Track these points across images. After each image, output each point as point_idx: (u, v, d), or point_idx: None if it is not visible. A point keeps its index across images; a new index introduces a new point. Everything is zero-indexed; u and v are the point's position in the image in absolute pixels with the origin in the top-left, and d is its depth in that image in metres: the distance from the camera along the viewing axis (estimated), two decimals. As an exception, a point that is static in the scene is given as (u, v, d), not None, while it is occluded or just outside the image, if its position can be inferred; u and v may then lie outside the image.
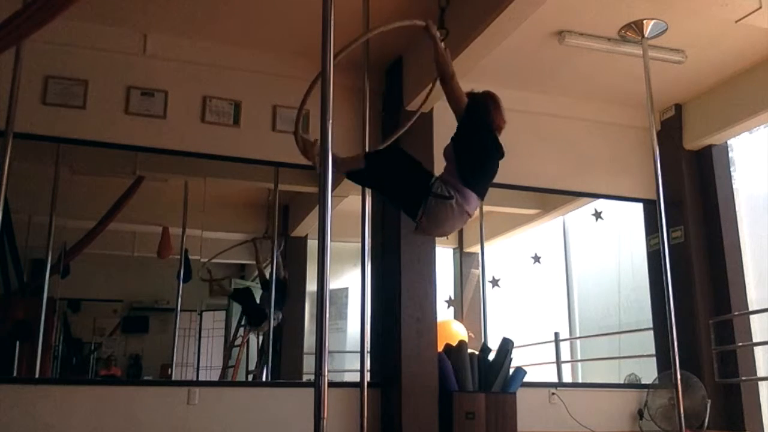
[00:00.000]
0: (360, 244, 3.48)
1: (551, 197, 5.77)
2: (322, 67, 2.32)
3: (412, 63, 4.47)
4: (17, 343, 4.34)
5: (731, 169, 5.18)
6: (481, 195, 2.98)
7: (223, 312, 5.80)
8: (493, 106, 3.01)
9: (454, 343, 4.56)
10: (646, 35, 4.13)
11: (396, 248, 4.42)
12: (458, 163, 2.93)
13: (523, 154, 4.98)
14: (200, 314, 5.50)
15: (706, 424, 4.53)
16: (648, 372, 5.09)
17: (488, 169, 3.01)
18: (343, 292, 6.49)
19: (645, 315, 5.38)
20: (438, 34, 3.06)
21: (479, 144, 2.96)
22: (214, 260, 5.67)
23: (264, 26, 4.27)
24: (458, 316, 6.54)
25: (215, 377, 5.39)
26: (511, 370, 4.50)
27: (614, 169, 5.29)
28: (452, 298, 6.70)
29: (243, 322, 5.69)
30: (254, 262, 5.84)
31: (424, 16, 3.98)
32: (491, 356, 4.60)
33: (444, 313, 6.16)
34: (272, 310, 5.34)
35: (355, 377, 3.90)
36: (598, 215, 6.01)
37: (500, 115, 3.02)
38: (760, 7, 3.73)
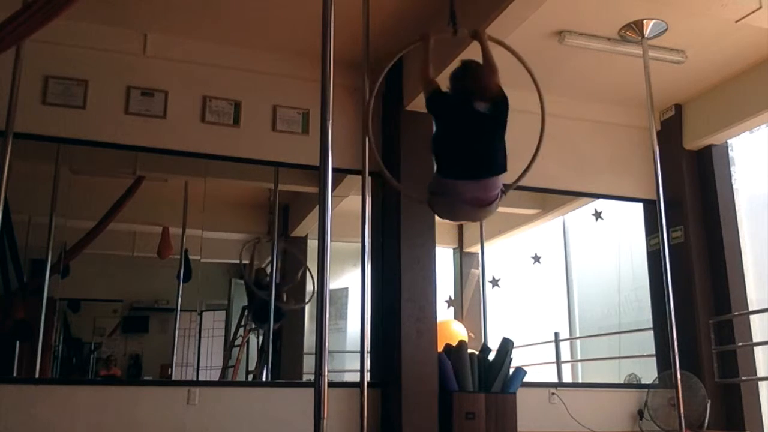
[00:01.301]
0: (360, 244, 3.48)
1: (551, 197, 5.77)
2: (322, 67, 2.32)
3: (412, 63, 4.46)
4: (17, 343, 4.33)
5: (731, 169, 5.18)
6: (465, 176, 2.71)
7: (223, 312, 5.80)
8: (461, 74, 2.85)
9: (454, 343, 4.56)
10: (646, 35, 4.13)
11: (396, 248, 4.42)
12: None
13: (523, 154, 4.97)
14: (200, 314, 5.49)
15: (706, 424, 4.53)
16: (648, 372, 5.09)
17: (455, 149, 2.74)
18: (343, 292, 6.48)
19: (645, 315, 5.38)
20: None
21: (436, 130, 2.83)
22: (212, 260, 5.67)
23: (264, 26, 4.27)
24: (458, 316, 6.54)
25: (215, 377, 5.38)
26: (511, 370, 4.50)
27: (614, 169, 5.29)
28: (452, 298, 6.70)
29: (244, 322, 5.68)
30: (255, 262, 5.83)
31: (423, 15, 4.00)
32: (491, 356, 4.60)
33: (444, 313, 6.16)
34: (272, 309, 5.34)
35: (355, 377, 3.90)
36: (598, 215, 6.01)
37: (471, 77, 2.79)
38: (760, 7, 3.73)
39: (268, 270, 5.68)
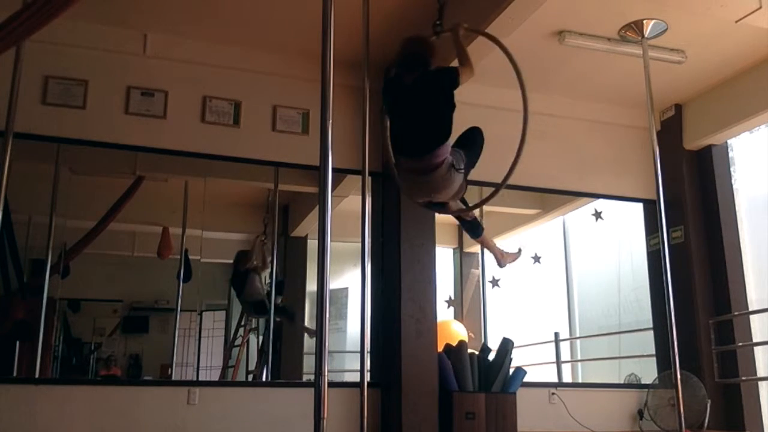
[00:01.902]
0: (360, 244, 3.48)
1: (551, 197, 5.77)
2: (322, 67, 2.32)
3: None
4: (17, 343, 4.33)
5: (731, 169, 5.18)
6: (404, 152, 3.04)
7: (223, 312, 5.80)
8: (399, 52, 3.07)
9: (454, 343, 4.56)
10: (646, 35, 4.13)
11: (396, 248, 4.42)
12: None
13: (523, 154, 4.97)
14: (200, 314, 5.49)
15: (706, 424, 4.53)
16: (648, 372, 5.09)
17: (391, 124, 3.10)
18: (343, 292, 6.49)
19: (645, 315, 5.38)
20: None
21: None
22: (212, 260, 5.67)
23: (264, 26, 4.27)
24: (458, 316, 6.54)
25: (215, 377, 5.38)
26: (511, 370, 4.50)
27: (614, 169, 5.29)
28: (452, 298, 6.70)
29: (244, 322, 5.69)
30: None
31: (423, 15, 4.00)
32: (491, 356, 4.60)
33: (444, 313, 6.16)
34: (272, 310, 5.34)
35: (355, 377, 3.90)
36: (598, 215, 6.01)
37: (402, 51, 3.03)
38: (760, 7, 3.73)
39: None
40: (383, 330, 4.48)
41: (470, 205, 3.46)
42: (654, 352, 5.16)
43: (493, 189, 3.24)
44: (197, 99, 4.42)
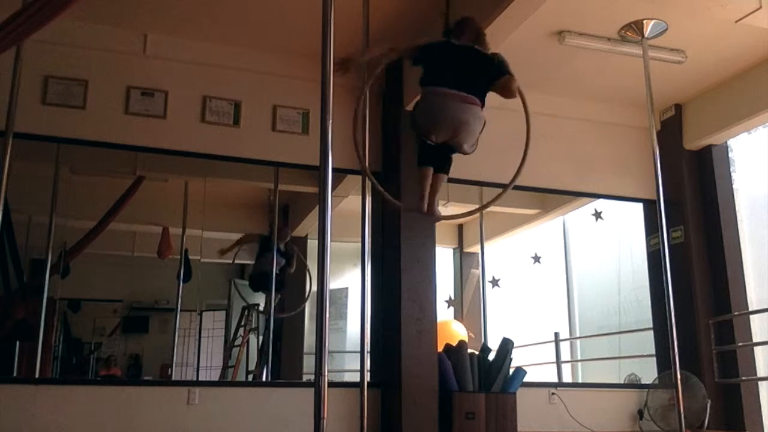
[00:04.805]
0: (360, 244, 3.48)
1: (551, 197, 5.78)
2: (322, 67, 2.31)
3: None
4: (17, 343, 4.33)
5: (731, 169, 5.19)
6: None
7: (223, 312, 5.81)
8: None
9: (454, 343, 4.56)
10: (646, 35, 4.13)
11: (396, 248, 4.42)
12: None
13: (518, 153, 4.98)
14: (200, 314, 5.49)
15: (706, 424, 4.53)
16: (648, 372, 5.10)
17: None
18: (343, 292, 6.48)
19: (645, 315, 5.38)
20: None
21: None
22: (212, 260, 5.67)
23: (264, 26, 4.27)
24: (458, 316, 6.54)
25: (215, 377, 5.38)
26: (511, 370, 4.50)
27: (614, 169, 5.29)
28: (452, 298, 6.70)
29: (244, 322, 5.69)
30: (253, 262, 5.82)
31: (424, 16, 4.00)
32: (491, 356, 4.60)
33: (444, 313, 6.16)
34: (272, 308, 5.34)
35: (355, 377, 3.91)
36: (598, 215, 6.01)
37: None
38: (760, 7, 3.73)
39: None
40: (383, 330, 4.48)
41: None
42: (654, 353, 5.16)
43: (499, 190, 3.24)
44: (197, 99, 4.42)
